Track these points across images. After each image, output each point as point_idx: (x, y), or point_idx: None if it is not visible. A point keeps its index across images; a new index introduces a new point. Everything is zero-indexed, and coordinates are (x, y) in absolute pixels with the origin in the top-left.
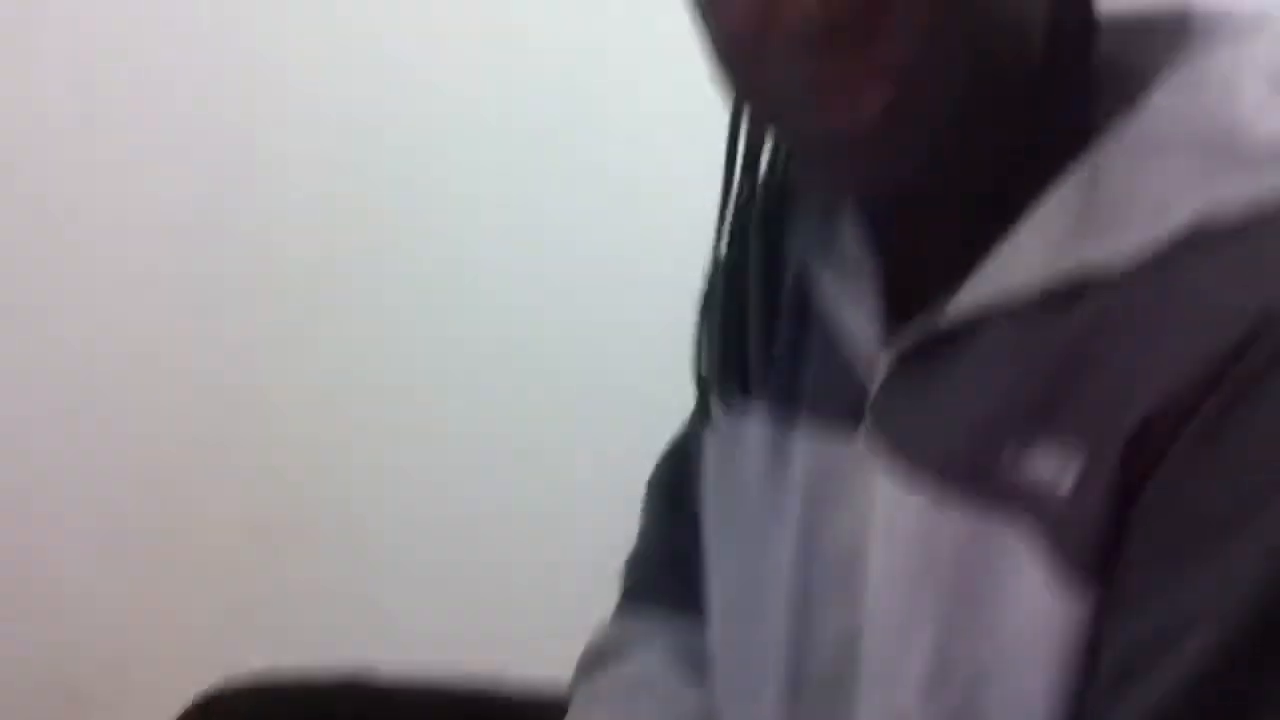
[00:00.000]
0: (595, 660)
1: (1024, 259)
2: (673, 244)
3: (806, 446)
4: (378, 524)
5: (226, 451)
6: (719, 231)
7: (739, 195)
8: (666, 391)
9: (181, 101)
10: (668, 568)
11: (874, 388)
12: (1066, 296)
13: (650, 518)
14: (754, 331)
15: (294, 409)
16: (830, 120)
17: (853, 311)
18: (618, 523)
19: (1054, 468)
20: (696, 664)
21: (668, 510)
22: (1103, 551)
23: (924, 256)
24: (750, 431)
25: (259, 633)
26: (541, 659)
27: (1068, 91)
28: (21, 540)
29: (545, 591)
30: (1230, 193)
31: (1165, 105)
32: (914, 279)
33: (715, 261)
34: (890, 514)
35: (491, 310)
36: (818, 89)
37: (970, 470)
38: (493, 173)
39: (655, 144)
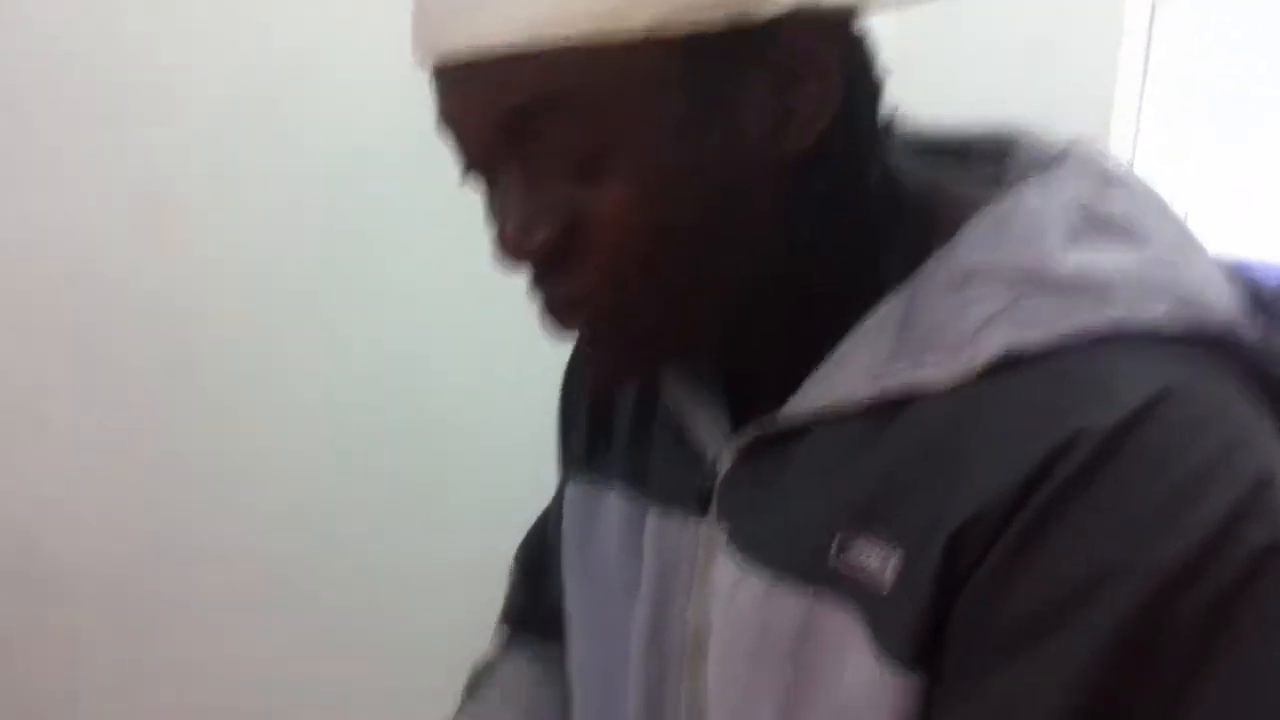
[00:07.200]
0: (472, 684)
1: (849, 375)
2: None
3: (656, 527)
4: None
5: None
6: None
7: None
8: None
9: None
10: (534, 616)
11: (719, 478)
12: (890, 409)
13: (517, 581)
14: (618, 411)
15: None
16: (555, 335)
17: (698, 409)
18: None
19: (877, 562)
20: (555, 671)
21: (530, 577)
22: (924, 641)
23: (757, 370)
24: (610, 504)
25: None
26: None
27: (868, 237)
28: None
29: None
30: (1036, 322)
31: (977, 242)
32: (752, 385)
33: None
34: (731, 594)
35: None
36: (542, 308)
37: (803, 556)
38: None
39: None
